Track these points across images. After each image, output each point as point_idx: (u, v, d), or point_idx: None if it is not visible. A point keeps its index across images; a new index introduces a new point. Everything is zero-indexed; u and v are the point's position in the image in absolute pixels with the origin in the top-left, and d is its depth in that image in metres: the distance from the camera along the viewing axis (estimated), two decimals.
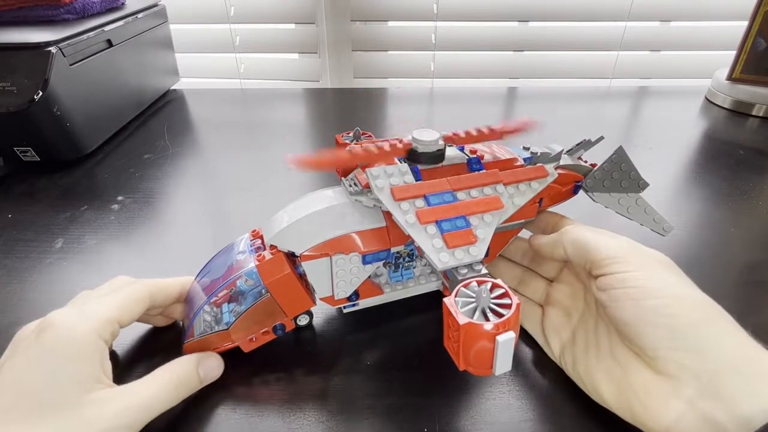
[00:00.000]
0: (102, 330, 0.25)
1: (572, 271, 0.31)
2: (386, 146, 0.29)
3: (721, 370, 0.22)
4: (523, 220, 0.33)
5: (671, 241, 0.30)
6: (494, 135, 0.30)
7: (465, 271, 0.25)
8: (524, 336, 0.32)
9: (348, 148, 0.32)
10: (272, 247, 0.28)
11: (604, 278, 0.26)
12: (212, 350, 0.29)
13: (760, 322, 0.32)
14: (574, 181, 0.34)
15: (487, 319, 0.22)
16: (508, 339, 0.21)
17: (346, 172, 0.32)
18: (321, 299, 0.30)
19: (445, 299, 0.23)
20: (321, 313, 0.34)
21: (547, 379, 0.29)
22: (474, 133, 0.29)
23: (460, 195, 0.28)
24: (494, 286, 0.23)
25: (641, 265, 0.25)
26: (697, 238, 0.42)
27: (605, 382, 0.26)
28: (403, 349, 0.31)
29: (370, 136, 0.36)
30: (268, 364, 0.30)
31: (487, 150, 0.32)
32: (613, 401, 0.25)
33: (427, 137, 0.29)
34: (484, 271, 0.25)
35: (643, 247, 0.27)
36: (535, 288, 0.33)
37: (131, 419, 0.24)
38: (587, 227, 0.29)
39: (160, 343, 0.32)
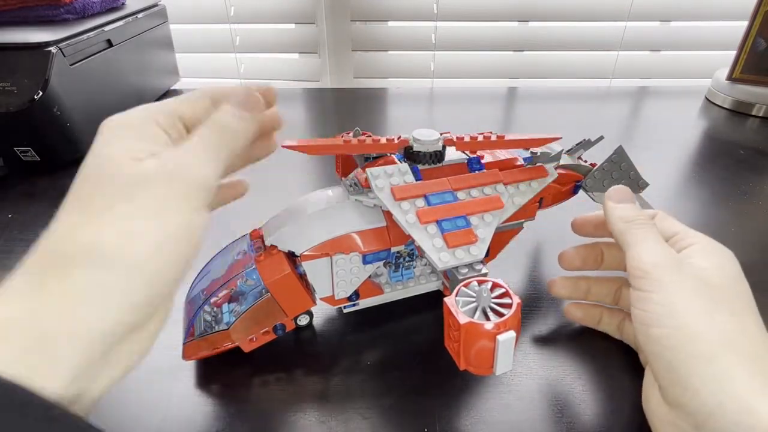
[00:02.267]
0: (158, 116, 0.22)
1: None
2: (382, 140, 0.29)
3: (714, 416, 0.20)
4: (523, 220, 0.33)
5: None
6: (500, 144, 0.29)
7: (465, 270, 0.25)
8: (523, 337, 0.32)
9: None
10: (272, 247, 0.28)
11: (632, 291, 0.24)
12: (212, 350, 0.29)
13: None
14: (574, 181, 0.34)
15: (487, 318, 0.22)
16: (508, 338, 0.21)
17: (346, 172, 0.32)
18: (321, 299, 0.30)
19: (445, 299, 0.23)
20: (321, 313, 0.34)
21: (548, 379, 0.29)
22: (479, 138, 0.29)
23: (461, 195, 0.28)
24: (495, 286, 0.23)
25: (669, 287, 0.23)
26: None
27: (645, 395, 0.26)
28: (403, 349, 0.31)
29: (369, 136, 0.36)
30: (268, 364, 0.30)
31: (488, 150, 0.32)
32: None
33: (426, 137, 0.29)
34: (485, 270, 0.25)
35: (692, 264, 0.24)
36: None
37: (191, 161, 0.21)
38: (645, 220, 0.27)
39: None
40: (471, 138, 0.29)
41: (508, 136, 0.29)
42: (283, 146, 0.27)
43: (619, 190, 0.29)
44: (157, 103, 0.23)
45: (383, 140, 0.29)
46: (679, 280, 0.23)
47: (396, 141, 0.29)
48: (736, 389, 0.20)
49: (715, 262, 0.24)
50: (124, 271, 0.18)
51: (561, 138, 0.31)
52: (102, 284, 0.18)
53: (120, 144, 0.21)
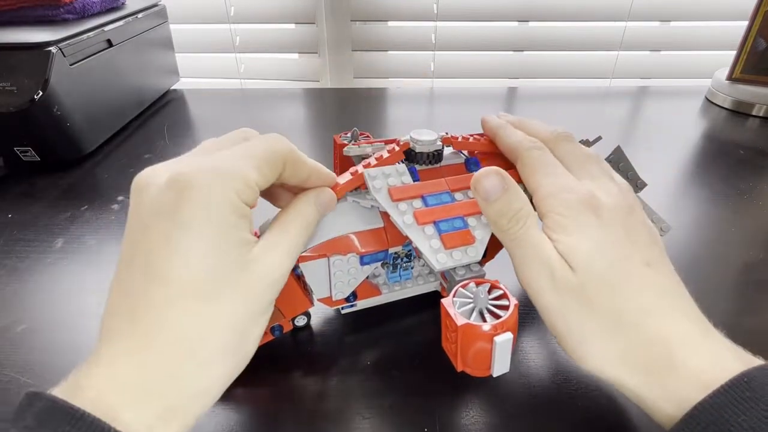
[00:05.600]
0: (243, 194, 0.22)
1: None
2: (384, 153, 0.29)
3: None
4: None
5: (670, 240, 0.30)
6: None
7: (463, 271, 0.25)
8: (521, 338, 0.32)
9: (345, 149, 0.32)
10: None
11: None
12: None
13: (759, 322, 0.32)
14: None
15: (484, 320, 0.22)
16: (505, 340, 0.21)
17: (344, 172, 0.32)
18: (319, 300, 0.30)
19: (442, 300, 0.23)
20: (319, 314, 0.34)
21: (548, 379, 0.29)
22: (471, 140, 0.30)
23: (458, 195, 0.28)
24: (493, 287, 0.23)
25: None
26: (695, 238, 0.42)
27: None
28: (403, 349, 0.31)
29: (368, 136, 0.36)
30: (267, 364, 0.30)
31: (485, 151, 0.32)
32: None
33: (425, 137, 0.29)
34: (482, 271, 0.25)
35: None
36: None
37: (286, 267, 0.23)
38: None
39: None
40: (463, 138, 0.29)
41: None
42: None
43: (485, 175, 0.25)
44: (233, 162, 0.23)
45: (385, 153, 0.29)
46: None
47: (397, 148, 0.29)
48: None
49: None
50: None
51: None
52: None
53: (225, 233, 0.21)
